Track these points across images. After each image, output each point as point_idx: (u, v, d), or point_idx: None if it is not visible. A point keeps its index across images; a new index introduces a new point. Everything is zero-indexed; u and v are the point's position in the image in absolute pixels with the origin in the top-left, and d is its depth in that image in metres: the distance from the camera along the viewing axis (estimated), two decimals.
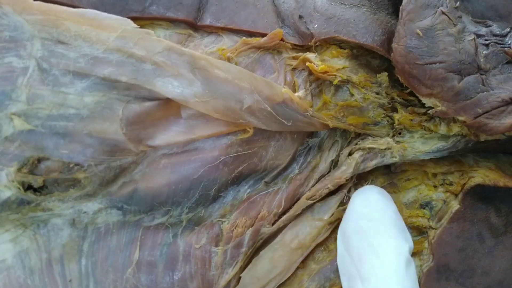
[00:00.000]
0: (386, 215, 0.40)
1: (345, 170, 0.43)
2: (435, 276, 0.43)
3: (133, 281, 0.38)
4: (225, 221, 0.41)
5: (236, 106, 0.38)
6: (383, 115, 0.44)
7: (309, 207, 0.43)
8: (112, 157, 0.37)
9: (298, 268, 0.43)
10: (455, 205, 0.44)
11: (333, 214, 0.43)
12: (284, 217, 0.42)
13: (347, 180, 0.43)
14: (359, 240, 0.38)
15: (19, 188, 0.35)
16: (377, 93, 0.43)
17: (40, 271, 0.37)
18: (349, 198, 0.43)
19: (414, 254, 0.45)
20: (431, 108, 0.41)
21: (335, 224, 0.43)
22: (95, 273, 0.37)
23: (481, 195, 0.44)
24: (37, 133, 0.34)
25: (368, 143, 0.44)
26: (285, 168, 0.44)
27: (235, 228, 0.40)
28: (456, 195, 0.45)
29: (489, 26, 0.42)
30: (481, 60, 0.39)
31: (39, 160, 0.35)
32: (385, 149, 0.43)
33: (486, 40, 0.41)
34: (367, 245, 0.37)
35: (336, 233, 0.42)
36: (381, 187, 0.45)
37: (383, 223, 0.39)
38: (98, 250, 0.38)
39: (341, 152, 0.45)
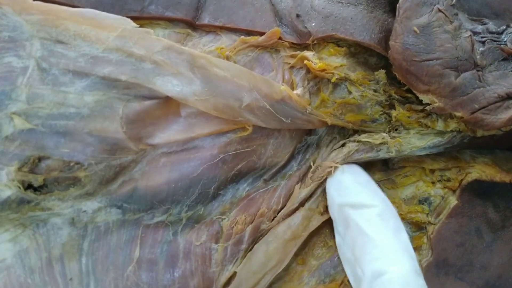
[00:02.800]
0: (361, 195, 0.40)
1: (335, 156, 0.43)
2: (434, 271, 0.44)
3: (133, 278, 0.38)
4: (225, 219, 0.41)
5: (235, 104, 0.38)
6: (381, 112, 0.44)
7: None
8: (112, 155, 0.37)
9: (298, 264, 0.43)
10: (453, 201, 0.45)
11: (319, 203, 0.43)
12: (282, 211, 0.42)
13: (336, 163, 0.43)
14: (349, 226, 0.38)
15: (19, 187, 0.35)
16: (375, 91, 0.44)
17: (40, 270, 0.37)
18: None
19: (413, 249, 0.45)
20: (428, 104, 0.42)
21: (328, 213, 0.43)
22: (95, 272, 0.37)
23: (478, 191, 0.45)
24: (37, 132, 0.34)
25: (363, 137, 0.44)
26: (284, 166, 0.44)
27: (235, 225, 0.41)
28: (454, 191, 0.45)
29: (485, 23, 0.42)
30: (478, 56, 0.40)
31: (40, 159, 0.35)
32: (380, 143, 0.44)
33: (482, 37, 0.41)
34: (355, 228, 0.37)
35: (332, 228, 0.43)
36: (379, 183, 0.45)
37: (362, 205, 0.39)
38: (98, 249, 0.38)
39: (335, 145, 0.45)
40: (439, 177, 0.46)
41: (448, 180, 0.46)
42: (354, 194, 0.40)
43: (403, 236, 0.37)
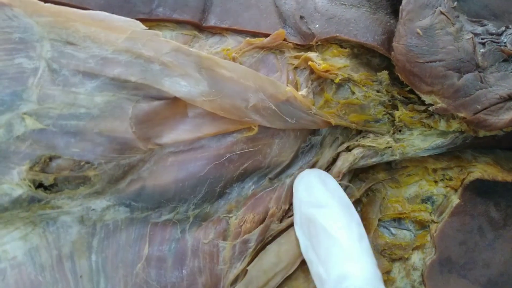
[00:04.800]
0: (329, 198, 0.41)
1: (342, 165, 0.44)
2: (437, 269, 0.44)
3: (143, 276, 0.38)
4: (232, 217, 0.42)
5: (241, 104, 0.39)
6: (384, 113, 0.45)
7: None
8: (121, 155, 0.37)
9: (304, 262, 0.44)
10: (455, 200, 0.45)
11: None
12: (292, 218, 0.43)
13: (343, 174, 0.44)
14: (314, 226, 0.39)
15: (30, 186, 0.35)
16: (378, 91, 0.44)
17: (51, 267, 0.37)
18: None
19: (417, 247, 0.46)
20: (431, 105, 0.42)
21: None
22: (105, 269, 0.38)
23: (480, 190, 0.45)
24: (48, 132, 0.35)
25: (368, 141, 0.45)
26: (289, 165, 0.45)
27: (244, 223, 0.41)
28: (456, 190, 0.46)
29: (485, 25, 0.43)
30: (479, 58, 0.40)
31: (50, 159, 0.36)
32: (385, 148, 0.44)
33: (482, 39, 0.42)
34: (321, 230, 0.38)
35: None
36: (382, 182, 0.46)
37: (329, 206, 0.40)
38: (107, 246, 0.38)
39: (340, 148, 0.46)
40: (441, 176, 0.47)
41: (450, 179, 0.47)
42: (321, 196, 0.41)
43: (366, 243, 0.38)
